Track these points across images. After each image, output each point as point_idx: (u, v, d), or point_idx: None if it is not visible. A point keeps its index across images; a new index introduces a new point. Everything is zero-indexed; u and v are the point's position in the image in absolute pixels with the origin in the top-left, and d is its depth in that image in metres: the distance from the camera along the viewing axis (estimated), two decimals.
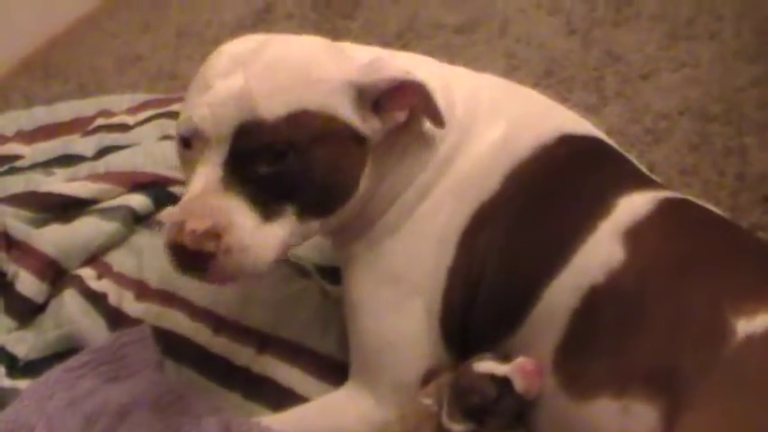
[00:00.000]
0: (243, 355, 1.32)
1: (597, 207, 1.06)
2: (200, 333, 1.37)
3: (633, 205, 1.05)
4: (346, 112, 1.05)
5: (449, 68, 1.24)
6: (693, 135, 1.75)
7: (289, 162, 1.01)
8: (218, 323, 1.37)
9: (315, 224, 1.09)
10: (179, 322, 1.39)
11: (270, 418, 1.16)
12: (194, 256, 0.98)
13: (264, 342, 1.33)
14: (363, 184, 1.11)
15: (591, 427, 0.96)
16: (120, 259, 1.54)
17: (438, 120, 1.10)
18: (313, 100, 1.03)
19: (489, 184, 1.12)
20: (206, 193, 1.00)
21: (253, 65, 1.02)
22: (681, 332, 0.93)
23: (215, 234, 0.98)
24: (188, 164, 1.07)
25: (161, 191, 1.65)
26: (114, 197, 1.62)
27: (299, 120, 1.01)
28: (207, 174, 1.00)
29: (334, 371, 1.24)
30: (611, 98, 1.93)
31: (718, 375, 0.89)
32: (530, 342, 1.05)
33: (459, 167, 1.14)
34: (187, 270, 1.01)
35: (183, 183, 1.67)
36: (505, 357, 1.04)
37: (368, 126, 1.07)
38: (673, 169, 1.68)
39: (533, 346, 1.04)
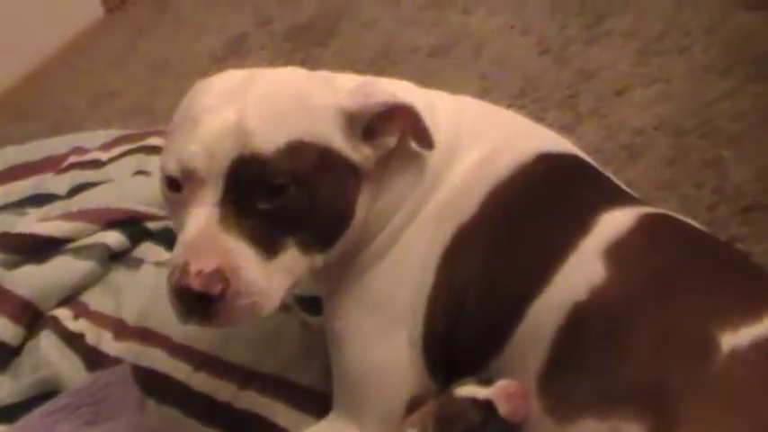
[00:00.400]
0: (224, 390, 1.30)
1: (578, 225, 1.05)
2: (180, 370, 1.35)
3: (614, 222, 1.05)
4: (339, 140, 1.03)
5: (429, 92, 1.23)
6: (669, 150, 1.75)
7: (289, 195, 0.98)
8: (199, 359, 1.36)
9: (318, 257, 1.06)
10: (159, 360, 1.37)
11: None
12: (201, 300, 0.94)
13: (246, 377, 1.31)
14: (359, 212, 1.09)
15: None
16: (96, 298, 1.52)
17: (427, 142, 1.09)
18: (309, 130, 1.01)
19: (468, 206, 1.11)
20: (206, 232, 0.95)
21: (244, 98, 1.00)
22: (666, 348, 0.92)
23: (222, 276, 0.94)
24: (178, 206, 1.02)
25: (136, 227, 1.64)
26: (89, 235, 1.61)
27: (298, 150, 0.99)
28: (203, 215, 0.96)
29: (318, 403, 1.22)
30: (586, 116, 1.93)
31: (705, 391, 0.88)
32: (515, 364, 1.03)
33: (440, 193, 1.13)
34: (193, 315, 0.97)
35: (158, 218, 1.67)
36: (488, 381, 1.02)
37: (360, 154, 1.06)
38: (650, 185, 1.67)
39: (518, 368, 1.03)
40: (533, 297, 1.03)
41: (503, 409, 0.99)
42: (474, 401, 1.01)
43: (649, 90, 1.96)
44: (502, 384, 1.01)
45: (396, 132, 1.08)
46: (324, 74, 1.15)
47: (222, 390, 1.30)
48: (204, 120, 0.98)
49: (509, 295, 1.05)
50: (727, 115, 1.80)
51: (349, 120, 1.04)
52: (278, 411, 1.25)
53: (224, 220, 0.96)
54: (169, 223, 1.65)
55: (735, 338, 0.90)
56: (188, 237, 0.96)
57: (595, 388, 0.94)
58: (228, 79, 1.05)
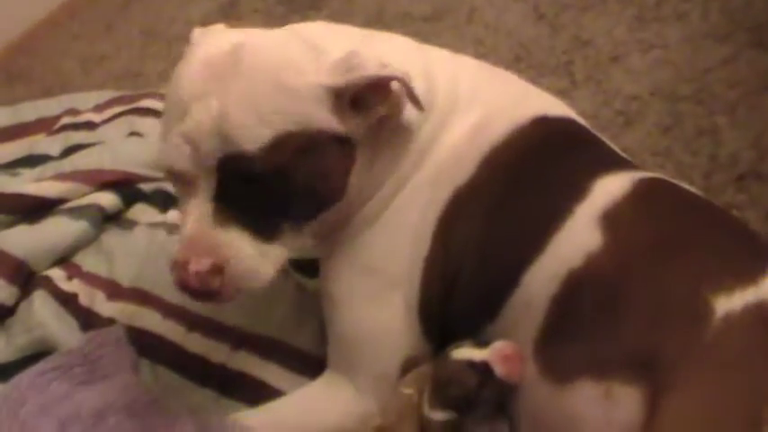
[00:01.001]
0: (218, 352, 1.30)
1: (573, 191, 1.05)
2: (174, 331, 1.35)
3: (609, 188, 1.04)
4: (325, 118, 1.01)
5: (428, 51, 1.22)
6: (665, 116, 1.75)
7: (279, 184, 0.99)
8: (193, 321, 1.35)
9: (314, 227, 1.07)
10: (152, 321, 1.36)
11: (247, 414, 1.14)
12: (203, 292, 1.00)
13: (240, 338, 1.31)
14: (354, 180, 1.09)
15: (573, 415, 0.94)
16: (90, 259, 1.51)
17: (417, 104, 1.07)
18: (292, 118, 0.99)
19: (464, 170, 1.11)
20: (201, 229, 0.99)
21: (228, 83, 0.98)
22: (661, 314, 0.92)
23: (218, 270, 0.99)
24: (179, 192, 1.06)
25: (130, 189, 1.63)
26: (82, 196, 1.60)
27: (283, 143, 0.98)
28: (198, 208, 0.99)
29: (311, 365, 1.22)
30: (582, 82, 1.93)
31: (699, 355, 0.88)
32: (509, 329, 1.03)
33: (435, 156, 1.12)
34: (197, 299, 1.03)
35: (151, 180, 1.66)
36: (484, 344, 1.02)
37: (349, 126, 1.04)
38: (645, 152, 1.67)
39: (513, 333, 1.03)
40: (529, 263, 1.03)
41: (499, 370, 0.99)
42: (470, 364, 1.01)
43: (646, 56, 1.95)
44: (498, 346, 1.01)
45: (384, 100, 1.06)
46: (316, 34, 1.11)
47: (216, 351, 1.30)
48: (191, 109, 0.98)
49: (505, 261, 1.05)
50: (724, 82, 1.80)
51: (333, 95, 1.02)
52: (271, 372, 1.25)
53: (217, 212, 0.99)
54: (162, 184, 1.65)
55: (729, 303, 0.90)
56: (185, 234, 1.00)
57: (591, 352, 0.94)
58: (216, 47, 1.02)
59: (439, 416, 1.02)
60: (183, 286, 0.99)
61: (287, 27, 1.14)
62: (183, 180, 1.01)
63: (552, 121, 1.17)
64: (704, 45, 1.93)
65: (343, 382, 1.12)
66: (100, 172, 1.64)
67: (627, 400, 0.89)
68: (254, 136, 0.96)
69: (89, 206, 1.56)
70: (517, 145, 1.12)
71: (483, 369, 1.00)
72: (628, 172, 1.08)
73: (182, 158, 0.98)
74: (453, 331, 1.09)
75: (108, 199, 1.59)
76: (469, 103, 1.15)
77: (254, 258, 1.00)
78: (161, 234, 1.52)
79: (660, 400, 0.87)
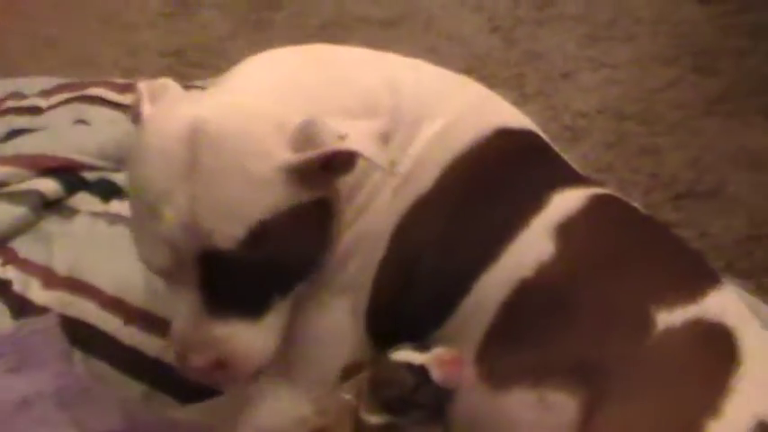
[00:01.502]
0: (154, 345, 1.29)
1: (531, 202, 1.06)
2: (110, 323, 1.33)
3: (565, 201, 1.06)
4: (296, 192, 0.96)
5: (390, 60, 1.20)
6: (610, 134, 1.79)
7: (263, 270, 0.95)
8: (129, 313, 1.34)
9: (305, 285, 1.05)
10: (88, 311, 1.35)
11: (179, 411, 1.13)
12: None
13: None
14: (337, 227, 1.06)
15: (508, 420, 0.96)
16: (26, 245, 1.49)
17: (382, 168, 1.01)
18: (265, 207, 0.93)
19: (427, 179, 1.10)
20: (193, 323, 0.96)
21: (192, 179, 0.91)
22: (604, 324, 0.94)
23: (220, 364, 0.97)
24: (167, 288, 1.01)
25: (73, 176, 1.60)
26: (22, 180, 1.57)
27: (259, 234, 0.93)
28: (186, 300, 0.96)
29: None
30: (532, 96, 1.96)
31: (637, 367, 0.91)
32: (456, 335, 1.04)
33: (401, 167, 1.12)
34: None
35: (95, 168, 1.65)
36: (424, 347, 1.03)
37: (320, 189, 0.99)
38: (589, 167, 1.70)
39: (458, 338, 1.03)
40: (482, 271, 1.04)
41: (436, 375, 1.00)
42: (408, 366, 1.01)
43: (595, 74, 1.99)
44: (437, 352, 1.02)
45: (351, 165, 1.00)
46: (276, 99, 1.02)
47: (151, 344, 1.29)
48: (160, 211, 0.92)
49: (458, 269, 1.06)
50: (668, 103, 1.85)
51: (297, 171, 0.95)
52: None
53: (207, 304, 0.95)
54: (106, 174, 1.63)
55: (670, 317, 0.93)
56: (179, 327, 0.97)
57: (532, 359, 0.96)
58: (169, 139, 0.94)
59: (375, 419, 1.02)
60: (188, 375, 0.99)
61: (238, 72, 1.08)
62: (166, 274, 0.97)
63: (514, 133, 1.17)
64: (651, 67, 1.98)
65: (282, 386, 1.11)
66: (43, 157, 1.61)
67: (562, 409, 0.91)
68: (228, 234, 0.91)
69: (29, 191, 1.54)
70: (479, 155, 1.12)
71: (420, 372, 1.00)
72: (583, 187, 1.10)
73: (161, 258, 0.94)
74: (399, 337, 1.09)
75: (49, 185, 1.56)
76: (433, 110, 1.15)
77: (253, 342, 0.98)
78: (102, 224, 1.50)
79: (596, 408, 0.89)
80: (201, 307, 0.95)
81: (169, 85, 1.02)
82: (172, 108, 0.97)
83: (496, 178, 1.10)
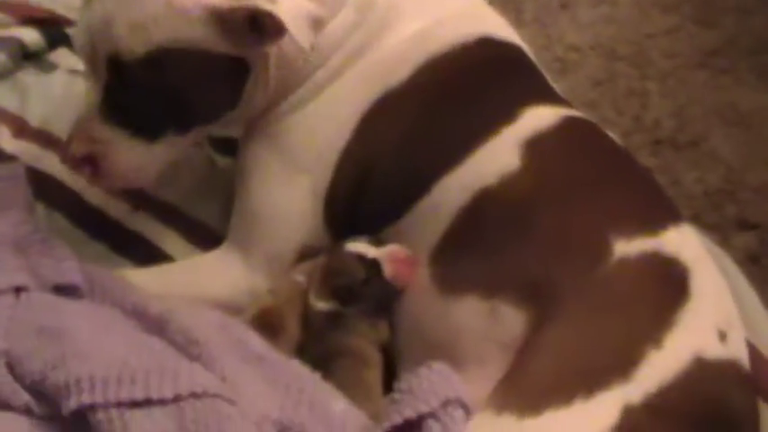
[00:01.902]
0: (117, 208, 1.29)
1: (503, 113, 1.06)
2: (76, 180, 1.32)
3: (538, 117, 1.06)
4: (211, 40, 1.02)
5: None
6: (600, 71, 1.78)
7: (154, 95, 1.02)
8: None
9: (202, 132, 1.14)
10: (56, 166, 1.33)
11: (135, 272, 1.13)
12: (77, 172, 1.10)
13: (141, 200, 1.29)
14: (250, 92, 1.10)
15: (454, 326, 0.97)
16: (1, 93, 1.46)
17: (300, 46, 1.02)
18: (173, 35, 1.00)
19: (400, 72, 1.11)
20: (88, 117, 1.05)
21: None
22: (561, 245, 0.95)
23: (92, 159, 1.06)
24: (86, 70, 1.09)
25: (56, 30, 1.57)
26: (4, 27, 1.54)
27: (158, 59, 1.00)
28: (93, 94, 1.05)
29: (209, 238, 1.22)
30: (528, 22, 1.94)
31: (589, 291, 0.91)
32: (411, 234, 1.05)
33: (374, 53, 1.12)
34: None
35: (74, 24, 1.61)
36: (380, 242, 1.04)
37: (242, 49, 1.05)
38: (575, 101, 1.67)
39: (414, 238, 1.04)
40: (445, 173, 1.04)
41: (387, 270, 1.01)
42: (361, 257, 1.02)
43: (594, 10, 1.97)
44: (392, 248, 1.03)
45: (277, 33, 1.01)
46: None
47: (115, 207, 1.29)
48: (87, 6, 1.02)
49: (421, 167, 1.06)
50: (662, 51, 1.83)
51: (220, 18, 1.00)
52: (167, 238, 1.25)
53: (104, 106, 1.04)
54: None
55: (627, 247, 0.94)
56: (79, 114, 1.07)
57: (486, 269, 0.97)
58: None
59: (322, 305, 1.04)
60: (63, 160, 1.09)
61: None
62: (86, 64, 1.05)
63: (497, 43, 1.17)
64: (651, 12, 1.96)
65: (237, 257, 1.12)
66: (26, 6, 1.58)
67: (511, 322, 0.92)
68: (131, 46, 0.99)
69: (10, 39, 1.51)
70: (457, 59, 1.12)
71: (372, 265, 1.01)
72: (560, 107, 1.10)
73: (83, 46, 1.03)
74: (356, 227, 1.10)
75: (31, 36, 1.53)
76: (416, 9, 1.15)
77: (132, 157, 1.06)
78: (79, 82, 1.47)
79: (542, 326, 0.90)
80: (100, 107, 1.04)
81: None
82: None
83: (472, 84, 1.10)
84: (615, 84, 1.74)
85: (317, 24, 1.03)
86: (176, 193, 1.30)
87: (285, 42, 1.05)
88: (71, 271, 1.06)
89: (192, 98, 1.05)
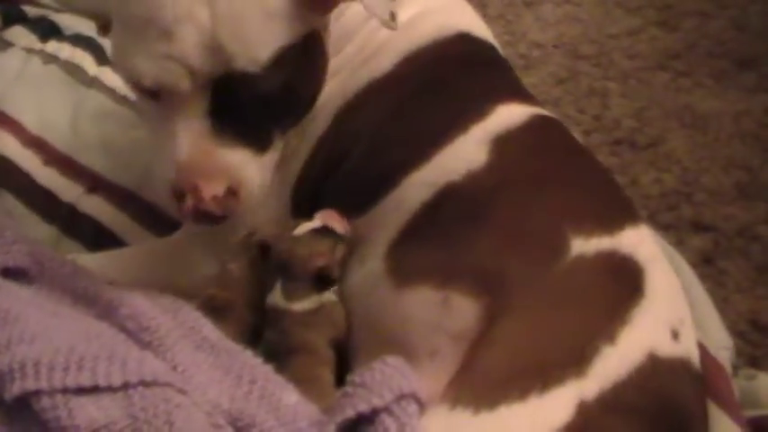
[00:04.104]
0: (70, 191, 1.27)
1: (474, 109, 1.05)
2: (29, 161, 1.31)
3: (509, 114, 1.05)
4: (301, 20, 0.96)
5: None
6: (562, 70, 1.79)
7: (281, 97, 0.95)
8: (51, 155, 1.31)
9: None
10: (8, 147, 1.32)
11: (87, 256, 1.11)
12: (221, 216, 0.96)
13: (96, 183, 1.28)
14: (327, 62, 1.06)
15: (408, 317, 0.95)
16: None
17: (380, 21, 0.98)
18: (281, 33, 0.94)
19: (384, 64, 1.10)
20: (203, 150, 0.93)
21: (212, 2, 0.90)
22: (518, 238, 0.95)
23: (233, 192, 0.95)
24: (156, 112, 0.96)
25: (12, 8, 1.55)
26: None
27: (281, 58, 0.93)
28: (193, 129, 0.93)
29: (163, 223, 1.20)
30: (493, 18, 1.94)
31: (544, 285, 0.91)
32: (374, 227, 1.03)
33: (360, 39, 1.12)
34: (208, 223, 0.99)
35: (37, 5, 1.58)
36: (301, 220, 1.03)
37: (317, 20, 1.00)
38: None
39: (376, 231, 1.03)
40: (413, 167, 1.03)
41: (338, 227, 1.01)
42: (315, 231, 1.00)
43: (558, 8, 1.98)
44: (322, 212, 1.02)
45: None
46: None
47: (68, 190, 1.27)
48: (178, 32, 0.89)
49: (391, 160, 1.05)
50: (624, 51, 1.85)
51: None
52: (121, 223, 1.23)
53: (217, 132, 0.93)
54: (49, 13, 1.57)
55: (584, 245, 0.94)
56: (184, 156, 0.93)
57: (440, 259, 0.96)
58: None
59: (301, 305, 1.00)
60: (197, 213, 0.94)
61: None
62: (163, 96, 0.93)
63: (475, 40, 1.18)
64: (615, 12, 1.98)
65: (195, 242, 1.10)
66: None
67: (462, 311, 0.91)
68: (252, 57, 0.91)
69: None
70: (436, 53, 1.12)
71: (327, 232, 1.00)
72: (530, 106, 1.10)
73: (171, 78, 0.91)
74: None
75: None
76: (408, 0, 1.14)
77: (261, 176, 0.98)
78: (36, 62, 1.46)
79: (496, 318, 0.89)
80: (211, 133, 0.93)
81: None
82: None
83: (446, 79, 1.10)
84: (577, 82, 1.75)
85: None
86: (132, 177, 1.28)
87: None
88: (20, 254, 1.03)
89: (303, 89, 1.00)
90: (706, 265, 1.36)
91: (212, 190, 0.93)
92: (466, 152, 1.02)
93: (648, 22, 1.93)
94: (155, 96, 0.94)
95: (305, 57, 0.98)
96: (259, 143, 0.97)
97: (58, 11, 1.60)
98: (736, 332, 1.22)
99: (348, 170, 1.07)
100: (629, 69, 1.80)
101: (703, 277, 1.19)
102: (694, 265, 1.21)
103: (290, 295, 0.99)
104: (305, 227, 1.01)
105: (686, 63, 1.82)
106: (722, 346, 1.08)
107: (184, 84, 0.91)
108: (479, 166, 1.00)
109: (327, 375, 0.97)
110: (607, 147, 1.60)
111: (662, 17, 1.95)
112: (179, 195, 0.94)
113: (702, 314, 1.10)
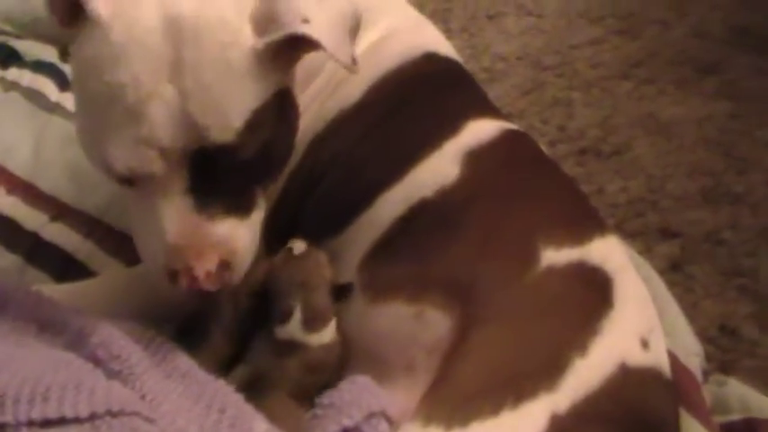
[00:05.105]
0: (34, 219, 1.25)
1: (447, 127, 1.06)
2: None
3: (480, 129, 1.06)
4: (269, 76, 0.91)
5: None
6: (526, 81, 1.80)
7: (259, 159, 0.91)
8: (13, 184, 1.29)
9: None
10: None
11: (53, 287, 1.09)
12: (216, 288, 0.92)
13: (60, 210, 1.26)
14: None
15: (382, 332, 0.96)
16: None
17: (347, 67, 0.93)
18: (249, 93, 0.89)
19: (353, 92, 1.10)
20: (190, 227, 0.89)
21: (179, 76, 0.85)
22: (490, 248, 0.95)
23: (226, 264, 0.91)
24: (134, 197, 0.93)
25: None
26: None
27: (254, 121, 0.89)
28: (176, 208, 0.89)
29: (129, 250, 1.17)
30: (456, 32, 1.95)
31: (516, 295, 0.92)
32: (347, 244, 1.04)
33: (326, 74, 1.10)
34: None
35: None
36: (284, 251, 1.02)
37: (286, 75, 0.96)
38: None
39: (348, 249, 1.03)
40: (387, 187, 1.03)
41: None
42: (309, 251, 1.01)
43: (521, 21, 1.99)
44: (297, 243, 1.02)
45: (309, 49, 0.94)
46: None
47: (32, 218, 1.24)
48: (145, 113, 0.84)
49: (366, 182, 1.05)
50: (587, 61, 1.86)
51: (266, 55, 0.90)
52: (86, 250, 1.21)
53: (200, 207, 0.89)
54: (8, 39, 1.56)
55: (555, 255, 0.95)
56: (172, 238, 0.89)
57: (412, 272, 0.96)
58: (144, 34, 0.85)
59: (318, 337, 0.98)
60: (192, 289, 0.91)
61: None
62: (139, 180, 0.89)
63: (441, 59, 1.18)
64: (577, 23, 1.99)
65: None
66: None
67: (436, 325, 0.92)
68: (226, 126, 0.86)
69: None
70: (406, 75, 1.12)
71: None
72: (499, 121, 1.11)
73: (144, 162, 0.86)
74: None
75: None
76: (373, 22, 1.13)
77: (251, 240, 0.95)
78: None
79: (470, 329, 0.90)
80: (194, 209, 0.89)
81: None
82: (134, 2, 0.86)
83: (417, 99, 1.10)
84: (541, 93, 1.77)
85: (356, 25, 0.94)
86: (97, 204, 1.26)
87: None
88: None
89: (279, 145, 0.95)
90: (674, 272, 1.37)
91: (205, 267, 0.90)
92: (439, 168, 1.02)
93: (610, 32, 1.95)
94: (129, 182, 0.90)
95: (278, 113, 0.94)
96: (244, 207, 0.94)
97: (18, 37, 1.58)
98: (705, 338, 1.23)
99: (323, 195, 1.07)
100: (592, 79, 1.81)
101: (672, 283, 1.20)
102: (662, 272, 1.22)
103: (310, 323, 0.98)
104: (299, 247, 1.01)
105: (649, 71, 1.84)
106: (692, 352, 1.09)
107: (158, 166, 0.87)
108: (452, 180, 1.01)
109: (301, 413, 0.93)
110: (573, 157, 1.61)
111: (623, 26, 1.97)
112: (172, 275, 0.91)
113: (672, 322, 1.11)
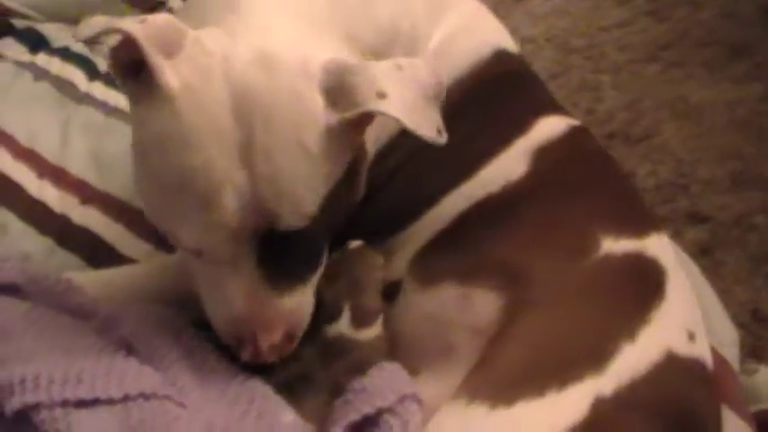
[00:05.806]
0: (65, 203, 1.25)
1: (517, 125, 1.06)
2: (22, 175, 1.29)
3: (549, 126, 1.07)
4: (341, 152, 0.87)
5: None
6: (554, 64, 1.79)
7: (322, 236, 0.90)
8: (44, 168, 1.30)
9: None
10: (2, 159, 1.30)
11: (83, 276, 1.09)
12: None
13: (90, 194, 1.27)
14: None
15: (432, 314, 0.96)
16: None
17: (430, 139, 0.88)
18: (321, 175, 0.85)
19: None
20: (258, 302, 0.89)
21: (249, 157, 0.81)
22: (547, 237, 0.96)
23: (291, 337, 0.92)
24: (204, 267, 0.91)
25: (2, 20, 1.53)
26: None
27: (327, 203, 0.86)
28: (243, 281, 0.88)
29: (157, 232, 1.19)
30: None
31: (570, 281, 0.92)
32: (405, 241, 1.04)
33: None
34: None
35: (26, 17, 1.58)
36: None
37: (354, 142, 0.91)
38: None
39: (407, 244, 1.03)
40: (455, 186, 1.03)
41: None
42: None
43: (548, 2, 1.98)
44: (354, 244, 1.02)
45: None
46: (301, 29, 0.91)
47: (63, 202, 1.25)
48: (215, 200, 0.82)
49: (432, 183, 1.05)
50: (615, 44, 1.85)
51: (338, 128, 0.85)
52: (115, 233, 1.21)
53: (268, 280, 0.88)
54: (37, 24, 1.57)
55: (613, 245, 0.95)
56: (240, 311, 0.89)
57: (464, 258, 0.97)
58: (211, 110, 0.81)
59: (368, 332, 0.98)
60: (257, 359, 0.91)
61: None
62: (207, 254, 0.88)
63: (509, 56, 1.16)
64: (604, 5, 1.97)
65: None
66: None
67: (484, 306, 0.93)
68: (299, 213, 0.84)
69: None
70: (478, 78, 1.09)
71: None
72: (564, 117, 1.11)
73: (213, 243, 0.85)
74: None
75: None
76: (429, 25, 1.10)
77: (309, 305, 0.94)
78: (27, 76, 1.44)
79: (517, 313, 0.90)
80: (262, 284, 0.88)
81: (176, 27, 0.83)
82: (201, 74, 0.82)
83: (489, 100, 1.09)
84: (569, 76, 1.76)
85: (438, 94, 0.88)
86: (126, 187, 1.27)
87: None
88: (13, 271, 1.03)
89: (347, 208, 0.94)
90: (703, 257, 1.37)
91: (270, 339, 0.90)
92: (508, 165, 1.03)
93: (638, 13, 1.93)
94: (198, 254, 0.88)
95: (350, 182, 0.91)
96: (307, 275, 0.92)
97: (43, 21, 1.59)
98: (737, 324, 1.22)
99: (383, 201, 1.05)
100: (620, 62, 1.80)
101: (701, 269, 1.20)
102: (692, 258, 1.21)
103: (359, 321, 0.98)
104: (354, 244, 1.02)
105: (677, 53, 1.82)
106: (729, 342, 1.09)
107: (228, 248, 0.85)
108: (518, 176, 1.01)
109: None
110: (601, 141, 1.58)
111: (652, 7, 1.95)
112: (237, 341, 0.91)
113: (709, 311, 1.10)
